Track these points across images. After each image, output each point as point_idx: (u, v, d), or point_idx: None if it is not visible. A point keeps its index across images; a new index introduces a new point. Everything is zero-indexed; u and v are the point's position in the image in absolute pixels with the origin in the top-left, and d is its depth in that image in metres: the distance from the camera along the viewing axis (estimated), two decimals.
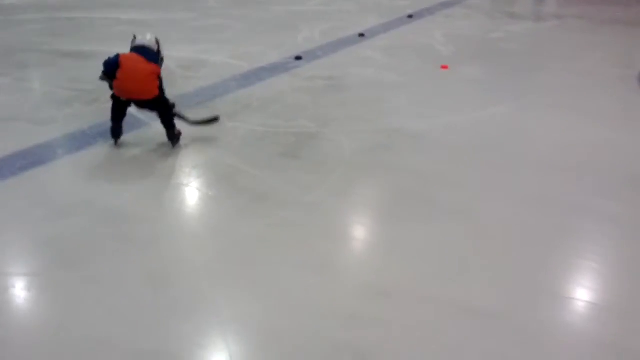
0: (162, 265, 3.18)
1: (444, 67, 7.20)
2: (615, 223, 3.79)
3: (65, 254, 3.24)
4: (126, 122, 5.10)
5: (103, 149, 4.65)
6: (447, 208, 3.90)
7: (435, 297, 2.99)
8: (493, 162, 4.65)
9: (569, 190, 4.21)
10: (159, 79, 4.77)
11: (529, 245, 3.50)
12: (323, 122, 5.31)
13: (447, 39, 8.85)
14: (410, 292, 3.01)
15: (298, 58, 7.44)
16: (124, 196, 3.90)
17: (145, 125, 5.11)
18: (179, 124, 4.78)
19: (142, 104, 4.80)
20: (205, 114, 5.23)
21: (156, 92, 4.71)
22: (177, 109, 4.89)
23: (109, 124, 5.03)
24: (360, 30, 9.12)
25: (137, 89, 4.68)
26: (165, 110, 4.80)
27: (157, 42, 4.88)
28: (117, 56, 4.69)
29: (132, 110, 5.37)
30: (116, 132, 4.80)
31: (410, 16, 10.53)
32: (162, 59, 4.92)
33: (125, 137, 4.81)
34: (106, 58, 4.69)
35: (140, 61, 4.69)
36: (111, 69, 4.63)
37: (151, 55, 4.77)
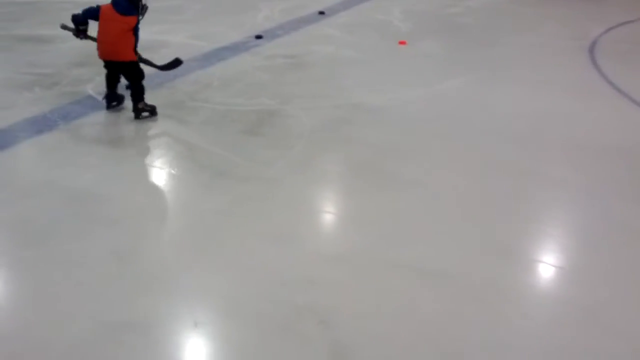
0: (127, 241, 3.27)
1: (402, 43, 7.34)
2: (564, 187, 4.00)
3: (30, 234, 3.30)
4: (87, 105, 5.16)
5: (64, 131, 4.67)
6: (402, 178, 4.05)
7: (390, 260, 3.14)
8: (448, 133, 4.82)
9: (520, 158, 4.40)
10: (135, 33, 4.77)
11: (480, 210, 3.68)
12: (283, 100, 5.41)
13: (406, 15, 8.98)
14: (366, 257, 3.17)
15: (258, 37, 7.49)
16: (87, 177, 3.96)
17: (105, 107, 5.13)
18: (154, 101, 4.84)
19: (115, 68, 4.82)
20: (165, 94, 5.29)
21: (128, 56, 4.72)
22: (143, 56, 4.98)
23: (69, 107, 5.08)
24: (320, 8, 9.19)
25: (109, 49, 4.70)
26: (135, 80, 4.82)
27: None
28: (99, 8, 4.69)
29: (92, 92, 5.42)
30: (108, 97, 5.00)
31: None
32: (144, 6, 4.87)
33: (86, 119, 4.85)
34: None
35: (114, 18, 4.64)
36: (87, 17, 4.72)
37: (127, 6, 4.70)
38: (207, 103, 5.30)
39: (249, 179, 3.99)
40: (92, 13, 4.72)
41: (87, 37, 4.94)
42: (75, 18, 4.83)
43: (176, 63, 5.36)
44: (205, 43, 7.22)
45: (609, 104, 5.58)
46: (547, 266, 3.18)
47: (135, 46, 4.87)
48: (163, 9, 9.22)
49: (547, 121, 5.11)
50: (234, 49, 7.04)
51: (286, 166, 4.18)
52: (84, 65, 6.21)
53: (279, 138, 4.65)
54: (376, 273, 3.04)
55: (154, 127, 4.85)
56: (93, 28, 4.83)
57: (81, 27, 4.84)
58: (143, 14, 4.90)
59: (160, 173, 4.10)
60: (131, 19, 4.71)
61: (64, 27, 4.99)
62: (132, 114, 4.90)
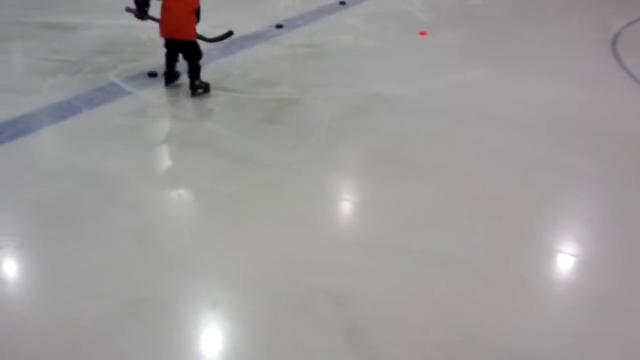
0: (148, 223, 3.34)
1: (423, 34, 7.33)
2: (582, 177, 4.00)
3: (53, 215, 3.40)
4: (110, 92, 5.25)
5: (88, 117, 4.77)
6: (420, 166, 4.08)
7: (406, 246, 3.18)
8: (467, 123, 4.83)
9: (539, 147, 4.40)
10: (197, 14, 5.02)
11: (498, 198, 3.70)
12: (303, 88, 5.45)
13: (427, 6, 8.96)
14: (381, 243, 3.21)
15: (279, 26, 7.53)
16: (109, 161, 4.04)
17: (128, 93, 5.23)
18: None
19: (176, 46, 5.12)
20: (186, 82, 5.37)
21: (190, 35, 5.04)
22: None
23: (93, 93, 5.18)
24: None
25: (174, 29, 5.01)
26: (193, 58, 5.12)
27: None
28: None
29: (115, 79, 5.51)
30: (167, 75, 5.33)
31: None
32: None
33: (109, 105, 4.95)
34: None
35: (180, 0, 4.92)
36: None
37: None
38: (228, 91, 5.36)
39: (267, 165, 4.05)
40: None
41: (149, 17, 5.24)
42: (138, 6, 5.13)
43: (228, 34, 5.62)
44: (226, 32, 7.25)
45: (629, 95, 5.54)
46: (561, 254, 3.19)
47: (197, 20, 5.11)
48: None
49: (567, 112, 5.09)
50: (255, 38, 7.09)
51: (305, 153, 4.23)
52: (107, 53, 6.30)
53: (298, 126, 4.69)
54: (391, 258, 3.08)
55: (174, 115, 4.93)
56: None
57: (145, 8, 5.14)
58: None
59: (180, 158, 4.17)
60: (195, 1, 4.99)
61: (128, 9, 5.34)
62: (153, 99, 4.98)
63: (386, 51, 6.69)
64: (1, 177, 3.83)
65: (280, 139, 4.46)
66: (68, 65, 5.94)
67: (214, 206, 3.55)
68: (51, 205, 3.49)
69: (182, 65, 5.35)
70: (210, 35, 5.57)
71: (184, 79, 5.36)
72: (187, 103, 5.09)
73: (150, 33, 7.08)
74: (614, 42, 7.32)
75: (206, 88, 5.24)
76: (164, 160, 4.20)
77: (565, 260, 3.15)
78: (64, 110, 4.87)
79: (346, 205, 3.74)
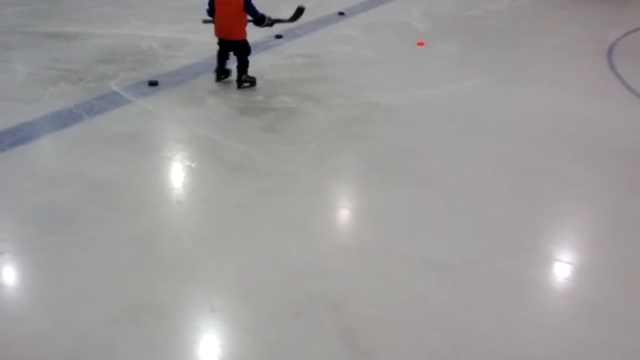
0: (148, 229, 3.38)
1: (420, 44, 7.40)
2: (577, 186, 4.04)
3: (54, 221, 3.44)
4: (111, 100, 5.31)
5: (89, 125, 4.82)
6: (417, 174, 4.13)
7: (401, 252, 3.22)
8: (464, 132, 4.88)
9: (535, 157, 4.45)
10: (247, 2, 5.35)
11: (495, 206, 3.75)
12: (302, 98, 5.51)
13: (425, 17, 9.03)
14: (378, 249, 3.25)
15: (278, 37, 7.59)
16: (110, 168, 4.09)
17: (129, 102, 5.28)
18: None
19: (228, 45, 5.57)
20: (187, 91, 5.42)
21: (239, 35, 5.47)
22: (270, 19, 5.63)
23: (94, 102, 5.24)
24: (340, 8, 9.27)
25: (223, 30, 5.46)
26: (242, 55, 5.58)
27: None
28: None
29: (116, 88, 5.57)
30: (218, 71, 5.76)
31: None
32: None
33: (110, 114, 5.00)
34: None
35: (226, 2, 5.36)
36: (210, 7, 5.48)
37: None
38: (228, 100, 5.42)
39: (266, 173, 4.09)
40: (211, 1, 5.47)
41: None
42: (208, 11, 5.61)
43: (300, 11, 5.96)
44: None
45: (624, 106, 5.60)
46: (558, 262, 3.23)
47: (256, 15, 5.49)
48: (185, 7, 9.37)
49: (563, 122, 5.15)
50: (254, 47, 7.08)
51: (303, 161, 4.28)
52: (108, 62, 6.36)
53: (296, 135, 4.75)
54: (387, 264, 3.13)
55: (175, 123, 4.98)
56: None
57: (207, 20, 5.68)
58: None
59: (181, 166, 4.22)
60: (240, 0, 5.32)
61: (205, 21, 5.78)
62: (154, 108, 5.05)
63: (384, 61, 6.75)
64: (2, 184, 3.88)
65: (279, 147, 4.51)
66: (69, 74, 6.00)
67: (213, 213, 3.60)
68: (51, 212, 3.53)
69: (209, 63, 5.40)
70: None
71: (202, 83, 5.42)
72: (188, 112, 5.15)
73: (150, 42, 7.17)
74: (610, 52, 7.39)
75: (253, 82, 5.67)
76: (164, 168, 4.24)
77: (562, 267, 3.19)
78: (65, 118, 4.92)
79: (344, 212, 3.79)
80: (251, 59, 6.69)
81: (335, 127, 4.90)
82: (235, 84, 5.72)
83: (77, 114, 5.01)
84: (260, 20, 5.54)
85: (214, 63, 6.40)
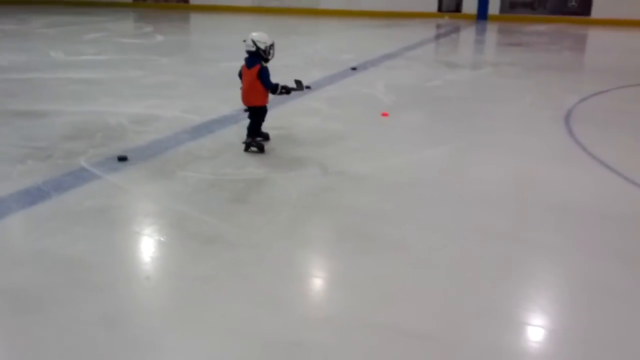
0: (116, 307, 3.33)
1: (385, 115, 7.63)
2: (544, 250, 4.13)
3: (20, 301, 3.37)
4: (79, 176, 5.32)
5: (57, 202, 4.80)
6: (386, 242, 4.18)
7: (375, 322, 3.23)
8: (430, 199, 4.99)
9: (501, 222, 4.55)
10: (260, 73, 5.84)
11: (461, 272, 3.80)
12: (270, 169, 5.59)
13: (389, 89, 9.34)
14: (351, 319, 3.25)
15: (247, 110, 7.74)
16: (78, 245, 4.05)
17: (98, 178, 5.29)
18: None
19: (250, 110, 6.08)
20: (157, 165, 5.47)
21: (257, 102, 6.02)
22: (285, 87, 6.02)
23: (62, 179, 5.24)
24: (306, 82, 9.49)
25: (243, 97, 6.06)
26: (254, 119, 6.08)
27: (253, 40, 5.88)
28: (241, 67, 5.98)
29: (85, 164, 5.59)
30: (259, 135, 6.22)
31: (354, 68, 11.05)
32: (266, 50, 5.91)
33: (79, 190, 5.00)
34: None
35: (244, 72, 5.97)
36: (241, 77, 6.04)
37: (252, 59, 5.92)
38: (197, 173, 5.47)
39: (237, 245, 4.10)
40: (240, 73, 6.05)
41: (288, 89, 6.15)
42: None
43: (299, 83, 6.26)
44: (195, 116, 7.47)
45: (584, 169, 5.81)
46: (528, 326, 3.26)
47: (269, 85, 5.92)
48: (156, 84, 9.58)
49: (527, 187, 5.30)
50: (224, 121, 7.29)
51: (273, 232, 4.31)
52: (77, 139, 6.40)
53: (266, 205, 4.79)
54: (362, 335, 3.12)
55: (144, 197, 5.00)
56: None
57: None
58: (271, 53, 5.98)
59: (149, 241, 4.20)
60: (254, 70, 5.86)
61: (293, 89, 6.15)
62: (123, 183, 5.07)
63: (350, 132, 6.93)
64: None
65: (249, 218, 4.54)
66: (38, 151, 6.01)
67: (182, 288, 3.57)
68: (17, 293, 3.46)
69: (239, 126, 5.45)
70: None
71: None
72: (157, 186, 5.17)
73: (119, 118, 7.25)
74: (567, 118, 7.71)
75: (260, 149, 6.03)
76: (133, 243, 4.22)
77: (532, 331, 3.22)
78: (32, 196, 4.90)
79: (316, 282, 3.80)
80: (221, 131, 6.83)
81: (305, 196, 4.96)
82: (241, 147, 6.08)
83: (45, 191, 4.99)
84: (274, 90, 5.97)
85: (184, 137, 6.52)
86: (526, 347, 3.11)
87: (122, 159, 5.72)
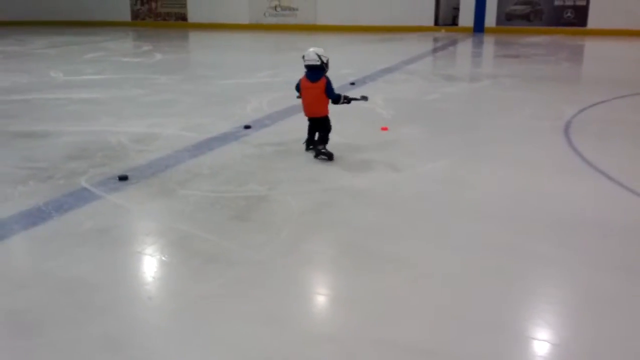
0: (119, 328, 3.32)
1: (384, 129, 7.64)
2: (549, 263, 4.12)
3: (22, 324, 3.36)
4: (80, 197, 5.32)
5: (58, 223, 4.80)
6: (389, 257, 4.17)
7: (378, 338, 3.21)
8: (430, 213, 4.99)
9: (504, 235, 4.55)
10: (327, 86, 6.27)
11: (466, 287, 3.78)
12: (271, 185, 5.60)
13: (387, 103, 9.38)
14: (354, 336, 3.23)
15: (247, 127, 7.79)
16: (80, 266, 4.05)
17: (99, 198, 5.29)
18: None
19: (314, 121, 6.48)
20: (158, 184, 5.48)
21: (323, 113, 6.40)
22: (346, 97, 6.43)
23: (63, 199, 5.24)
24: None
25: (310, 110, 6.43)
26: (323, 129, 6.43)
27: (318, 55, 6.24)
28: (300, 81, 6.40)
29: (86, 184, 5.59)
30: (307, 142, 6.68)
31: (352, 83, 11.10)
32: (327, 63, 6.35)
33: (80, 210, 5.00)
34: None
35: (307, 86, 6.33)
36: (298, 90, 6.47)
37: (315, 73, 6.29)
38: (198, 191, 5.47)
39: (239, 263, 4.09)
40: (298, 86, 6.46)
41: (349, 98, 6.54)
42: (297, 96, 6.54)
43: (363, 97, 6.70)
44: (196, 134, 7.50)
45: (585, 180, 5.81)
46: (534, 341, 3.24)
47: (334, 96, 6.33)
48: (156, 103, 9.63)
49: (528, 199, 5.30)
50: (224, 138, 7.31)
51: (275, 250, 4.30)
52: (77, 159, 6.42)
53: (267, 223, 4.79)
54: (366, 353, 3.10)
55: (146, 216, 5.00)
56: None
57: (298, 97, 6.54)
58: (326, 70, 6.38)
59: (151, 261, 4.19)
60: (321, 83, 6.25)
61: (299, 97, 6.54)
62: (124, 203, 5.07)
63: (351, 146, 6.94)
64: None
65: (250, 236, 4.53)
66: (39, 172, 6.02)
67: (184, 308, 3.55)
68: (20, 315, 3.45)
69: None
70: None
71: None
72: (158, 204, 5.17)
73: (120, 137, 7.28)
74: (566, 129, 7.73)
75: (330, 157, 6.34)
76: (135, 263, 4.21)
77: (538, 346, 3.21)
78: (34, 217, 4.90)
79: (318, 299, 3.78)
80: (222, 149, 6.88)
81: (306, 213, 4.96)
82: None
83: (47, 212, 4.99)
84: (337, 100, 6.34)
85: (184, 155, 6.54)
86: (525, 356, 3.10)
87: (123, 178, 5.73)
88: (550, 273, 4.01)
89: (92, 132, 7.62)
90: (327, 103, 6.37)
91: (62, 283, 3.82)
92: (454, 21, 23.56)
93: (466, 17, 22.91)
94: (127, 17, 28.25)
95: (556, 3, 21.95)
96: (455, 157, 6.52)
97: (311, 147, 6.61)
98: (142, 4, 27.93)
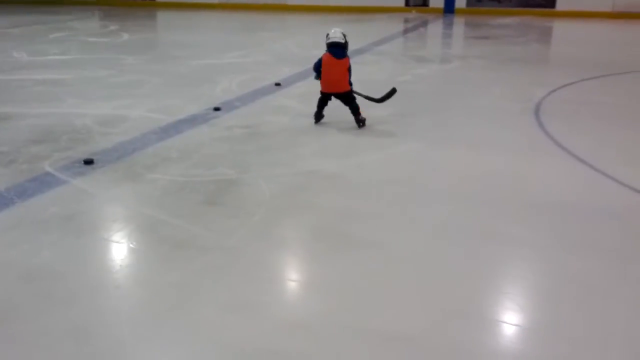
0: (84, 319, 3.22)
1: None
2: (521, 245, 4.12)
3: None
4: (44, 182, 5.15)
5: (21, 209, 4.63)
6: (361, 241, 4.13)
7: (351, 325, 3.17)
8: (403, 196, 4.95)
9: (476, 218, 4.54)
10: (349, 69, 6.79)
11: (441, 271, 3.76)
12: (242, 169, 5.50)
13: (359, 85, 9.27)
14: (330, 323, 3.19)
15: (217, 109, 7.64)
16: (43, 254, 3.91)
17: (64, 182, 5.13)
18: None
19: (337, 96, 6.86)
20: (124, 168, 5.34)
21: (347, 88, 6.80)
22: (359, 92, 7.00)
23: (26, 184, 5.07)
24: (276, 79, 9.46)
25: (334, 85, 6.78)
26: (351, 102, 6.86)
27: (343, 34, 6.77)
28: (321, 58, 6.76)
29: (50, 169, 5.41)
30: (318, 116, 7.00)
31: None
32: (347, 43, 6.84)
33: (44, 196, 4.85)
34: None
35: (333, 63, 6.71)
36: (318, 68, 6.81)
37: (339, 51, 6.73)
38: (166, 175, 5.34)
39: (209, 249, 4.01)
40: (319, 65, 6.82)
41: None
42: (316, 76, 6.97)
43: (392, 92, 7.31)
44: (163, 116, 7.32)
45: (557, 162, 5.83)
46: (510, 326, 3.23)
47: (350, 77, 6.85)
48: (123, 84, 9.38)
49: (500, 181, 5.30)
50: (193, 121, 7.16)
51: (247, 235, 4.22)
52: (41, 142, 6.21)
53: (238, 207, 4.70)
54: (341, 340, 3.06)
55: (112, 202, 4.86)
56: None
57: (317, 79, 6.96)
58: (347, 53, 6.87)
59: (118, 247, 4.08)
60: (346, 61, 6.77)
61: (317, 77, 6.99)
62: (89, 187, 4.92)
63: (321, 130, 6.86)
64: None
65: (221, 221, 4.44)
66: (0, 156, 5.81)
67: (153, 296, 3.46)
68: None
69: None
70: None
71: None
72: (125, 189, 5.04)
73: (85, 120, 7.07)
74: (537, 111, 7.76)
75: (364, 122, 6.86)
76: (101, 250, 4.09)
77: (513, 330, 3.20)
78: None
79: (292, 285, 3.72)
80: (190, 131, 6.77)
81: (277, 197, 4.89)
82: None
83: (8, 198, 4.82)
84: (350, 84, 6.83)
85: (152, 138, 6.38)
86: (508, 345, 3.09)
87: (89, 162, 5.56)
88: (525, 256, 4.00)
89: (57, 114, 7.39)
90: (349, 78, 6.81)
91: (26, 272, 3.68)
92: (424, 2, 23.48)
93: None
94: None
95: None
96: (426, 139, 6.50)
97: (321, 118, 7.02)
98: None
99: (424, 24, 19.72)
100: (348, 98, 6.86)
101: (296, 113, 7.59)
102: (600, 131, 6.98)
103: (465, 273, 3.74)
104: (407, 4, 23.45)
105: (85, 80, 9.72)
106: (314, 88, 7.35)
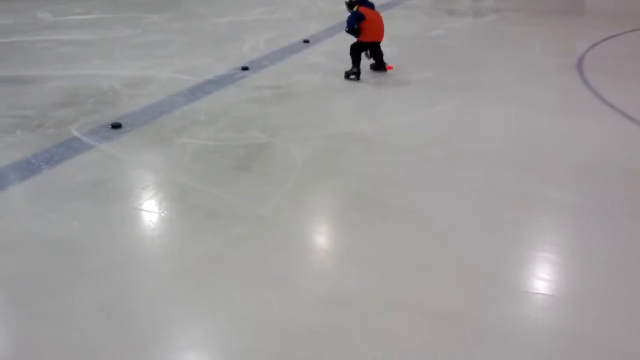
0: (115, 294, 3.10)
1: (389, 68, 7.27)
2: (566, 212, 3.89)
3: (13, 290, 3.14)
4: (71, 147, 5.03)
5: (48, 176, 4.52)
6: (399, 209, 3.93)
7: (394, 301, 3.00)
8: (440, 159, 4.72)
9: (517, 182, 4.30)
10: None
11: (483, 240, 3.56)
12: (273, 132, 5.30)
13: (390, 40, 8.88)
14: (368, 300, 3.02)
15: (244, 68, 7.41)
16: (72, 225, 3.80)
17: (91, 148, 5.00)
18: None
19: (375, 46, 7.06)
20: (151, 132, 5.20)
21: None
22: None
23: (53, 150, 4.96)
24: (304, 36, 9.15)
25: (380, 34, 6.98)
26: (380, 52, 7.14)
27: None
28: (360, 12, 6.82)
29: (77, 133, 5.29)
30: (359, 72, 6.90)
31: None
32: None
33: (71, 162, 4.73)
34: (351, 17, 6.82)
35: (375, 13, 7.03)
36: (358, 22, 6.81)
37: (372, 3, 7.16)
38: (195, 139, 5.18)
39: (241, 218, 3.85)
40: (358, 18, 6.82)
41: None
42: (354, 30, 6.86)
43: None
44: (190, 77, 7.12)
45: (601, 120, 5.52)
46: (557, 300, 3.04)
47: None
48: (148, 44, 9.16)
49: (541, 141, 5.03)
50: (220, 81, 6.95)
51: (280, 203, 4.05)
52: (67, 106, 6.07)
53: (270, 173, 4.52)
54: (382, 317, 2.89)
55: (141, 168, 4.72)
56: None
57: (352, 33, 6.93)
58: None
59: (148, 216, 3.95)
60: (378, 12, 7.12)
61: (353, 30, 6.92)
62: (117, 153, 4.78)
63: (353, 88, 6.61)
64: None
65: (253, 188, 4.28)
66: (26, 120, 5.70)
67: (185, 270, 3.32)
68: (8, 280, 3.23)
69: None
70: None
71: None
72: (154, 154, 4.89)
73: (112, 82, 6.91)
74: (579, 66, 7.37)
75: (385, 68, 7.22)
76: (131, 220, 3.96)
77: (557, 303, 3.00)
78: (22, 170, 4.62)
79: (327, 258, 3.55)
80: (218, 93, 6.62)
81: (310, 162, 4.69)
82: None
83: (36, 165, 4.71)
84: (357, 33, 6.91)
85: (179, 100, 6.21)
86: (554, 320, 2.89)
87: (116, 126, 5.42)
88: (565, 221, 3.78)
89: (83, 76, 7.24)
90: None
91: (53, 244, 3.57)
92: None
93: None
94: None
95: None
96: (463, 98, 6.20)
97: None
98: None
99: None
100: (378, 48, 7.05)
101: (326, 71, 7.32)
102: None
103: (511, 241, 3.52)
104: None
105: (109, 40, 9.52)
106: (343, 45, 7.08)
